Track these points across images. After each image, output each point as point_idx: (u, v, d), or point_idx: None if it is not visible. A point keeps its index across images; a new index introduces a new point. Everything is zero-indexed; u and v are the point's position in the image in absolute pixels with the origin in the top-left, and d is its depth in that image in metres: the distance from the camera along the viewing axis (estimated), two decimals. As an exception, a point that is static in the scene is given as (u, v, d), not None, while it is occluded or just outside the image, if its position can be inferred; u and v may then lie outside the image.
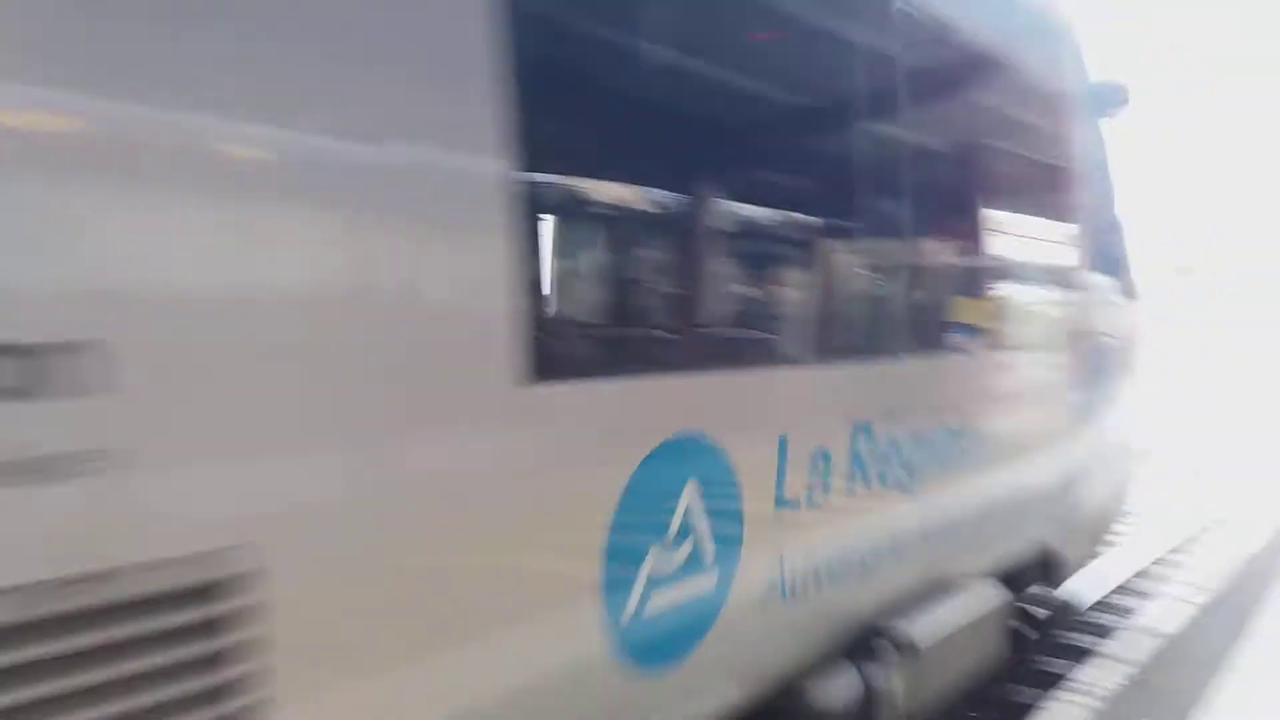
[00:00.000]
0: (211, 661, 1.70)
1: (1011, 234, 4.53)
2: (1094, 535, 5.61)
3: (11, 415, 1.46)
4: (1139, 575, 7.32)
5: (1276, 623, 5.29)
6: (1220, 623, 5.32)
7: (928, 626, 3.50)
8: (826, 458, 3.16)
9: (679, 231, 3.40)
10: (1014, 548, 4.54)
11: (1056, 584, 5.23)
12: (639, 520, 2.52)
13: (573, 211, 3.39)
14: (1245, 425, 15.19)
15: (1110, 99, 5.35)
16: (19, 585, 1.48)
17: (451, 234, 2.12)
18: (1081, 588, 6.00)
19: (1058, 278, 4.94)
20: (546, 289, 3.32)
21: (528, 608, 2.27)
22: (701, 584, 2.71)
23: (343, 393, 1.90)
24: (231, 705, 1.72)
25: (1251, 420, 15.75)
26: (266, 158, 1.83)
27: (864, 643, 3.33)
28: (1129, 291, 5.82)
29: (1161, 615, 5.46)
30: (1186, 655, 4.84)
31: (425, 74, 2.08)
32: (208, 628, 1.69)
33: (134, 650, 1.61)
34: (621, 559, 2.47)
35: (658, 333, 3.35)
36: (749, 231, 3.68)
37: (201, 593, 1.68)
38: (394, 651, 2.01)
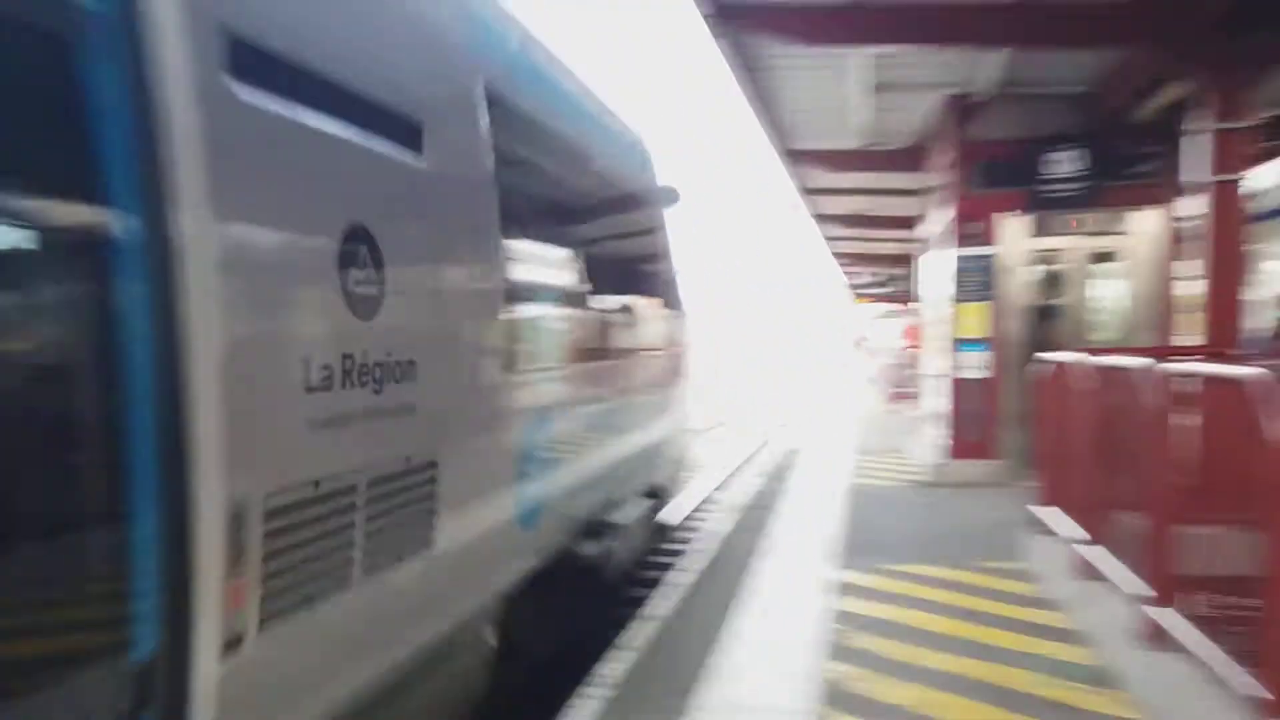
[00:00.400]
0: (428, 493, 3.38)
1: (619, 287, 6.54)
2: (674, 479, 8.41)
3: (402, 388, 3.14)
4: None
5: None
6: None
7: (623, 517, 6.10)
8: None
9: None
10: (643, 481, 7.06)
11: (663, 507, 8.05)
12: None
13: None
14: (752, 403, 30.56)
15: (669, 196, 7.83)
16: (407, 457, 3.22)
17: None
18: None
19: (647, 312, 7.17)
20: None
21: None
22: (539, 496, 4.58)
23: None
24: (427, 510, 3.36)
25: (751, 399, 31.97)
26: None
27: (595, 527, 5.62)
28: (683, 319, 8.43)
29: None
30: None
31: None
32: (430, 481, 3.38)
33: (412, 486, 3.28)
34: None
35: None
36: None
37: (428, 466, 3.35)
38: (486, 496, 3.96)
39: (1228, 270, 7.06)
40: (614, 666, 4.79)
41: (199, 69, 2.31)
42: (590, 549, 5.46)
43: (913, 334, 24.56)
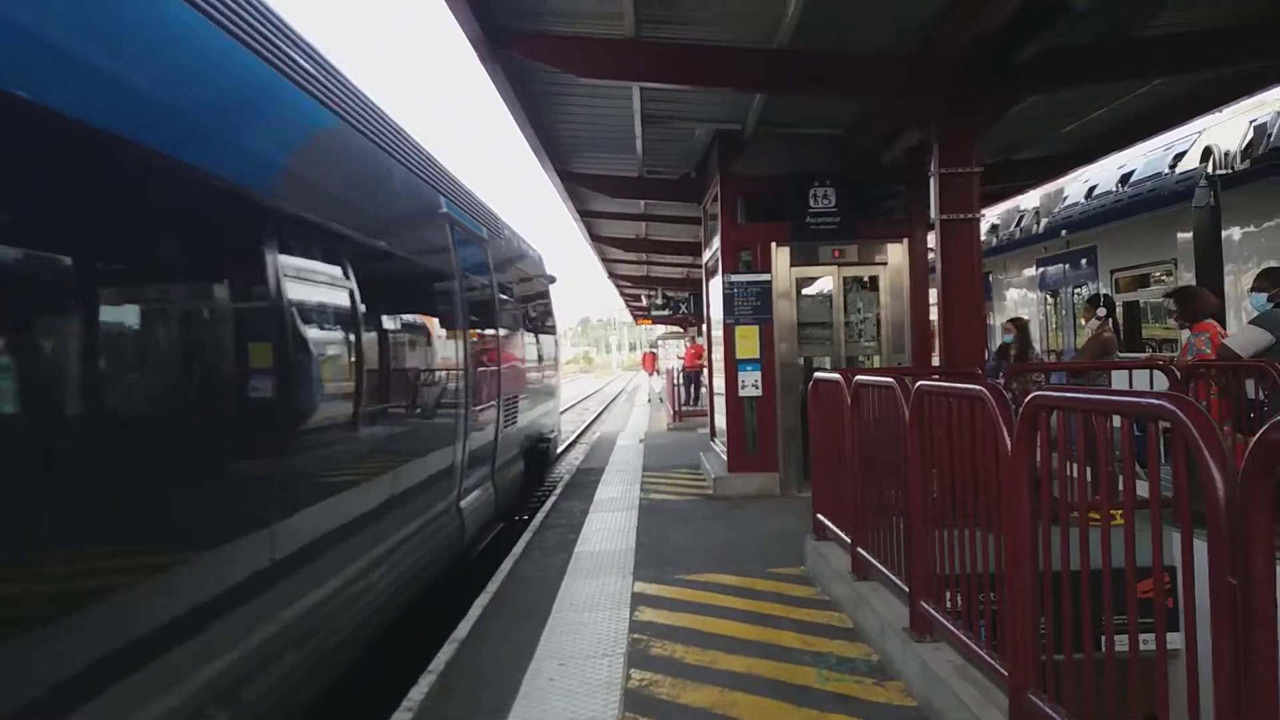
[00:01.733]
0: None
1: (535, 327, 12.91)
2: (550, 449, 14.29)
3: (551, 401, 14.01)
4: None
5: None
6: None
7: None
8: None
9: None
10: (543, 428, 13.04)
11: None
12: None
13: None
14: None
15: (551, 279, 14.59)
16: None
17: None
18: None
19: (546, 342, 13.98)
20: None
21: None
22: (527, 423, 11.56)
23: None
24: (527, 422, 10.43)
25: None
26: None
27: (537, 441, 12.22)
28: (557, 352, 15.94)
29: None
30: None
31: None
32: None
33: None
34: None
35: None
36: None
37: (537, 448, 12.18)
38: None
39: (957, 299, 7.89)
40: (419, 689, 4.84)
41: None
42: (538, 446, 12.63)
43: (694, 354, 25.60)
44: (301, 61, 4.83)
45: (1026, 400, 3.28)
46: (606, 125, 10.96)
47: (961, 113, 7.68)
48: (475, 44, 7.58)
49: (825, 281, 11.38)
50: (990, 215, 17.61)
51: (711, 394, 14.36)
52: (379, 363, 5.54)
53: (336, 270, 4.94)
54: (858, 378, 5.80)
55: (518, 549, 8.35)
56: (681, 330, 39.85)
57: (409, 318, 6.53)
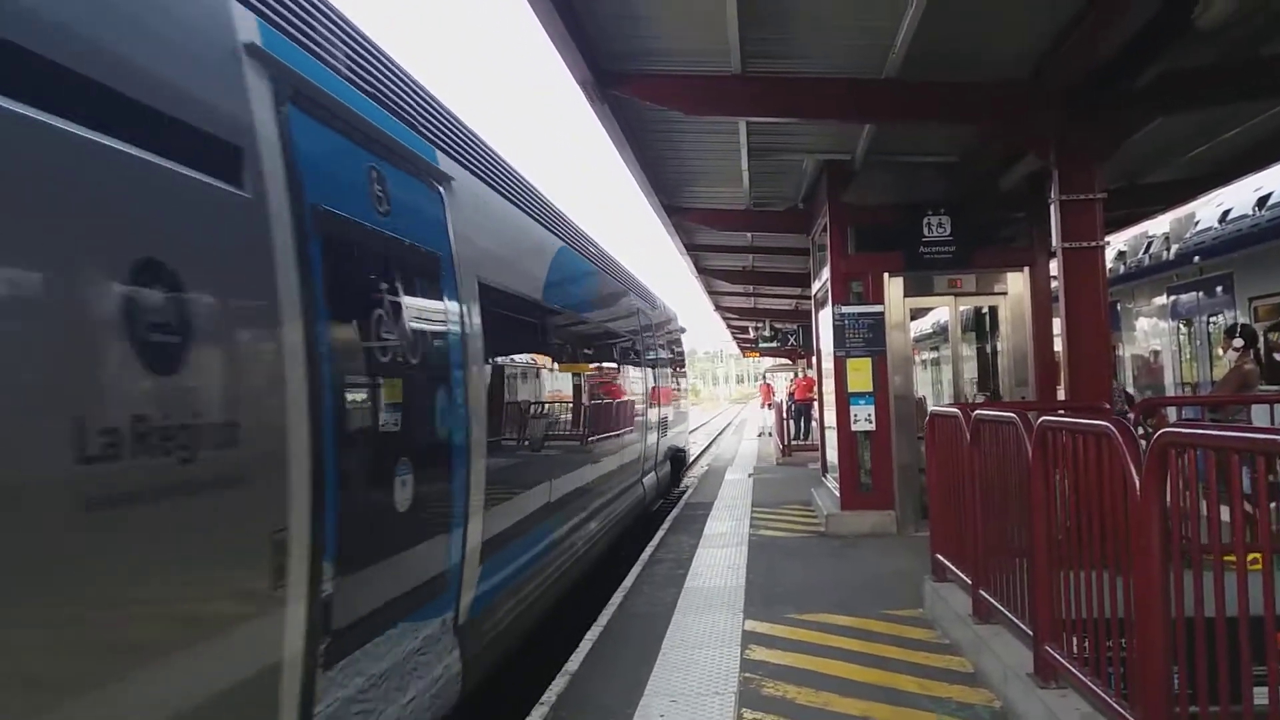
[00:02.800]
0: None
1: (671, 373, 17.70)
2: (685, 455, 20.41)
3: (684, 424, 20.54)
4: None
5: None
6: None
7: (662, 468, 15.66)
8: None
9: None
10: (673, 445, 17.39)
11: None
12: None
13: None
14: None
15: (681, 330, 19.84)
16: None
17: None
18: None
19: (679, 384, 19.67)
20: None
21: None
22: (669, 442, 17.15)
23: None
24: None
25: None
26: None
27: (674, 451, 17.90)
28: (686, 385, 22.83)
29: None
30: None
31: None
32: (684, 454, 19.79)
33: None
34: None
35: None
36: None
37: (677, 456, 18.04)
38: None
39: (1083, 330, 7.58)
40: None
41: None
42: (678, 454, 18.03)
43: (804, 387, 25.29)
44: (578, 235, 9.94)
45: (1155, 437, 3.12)
46: (712, 159, 11.03)
47: (1081, 138, 7.43)
48: (584, 86, 7.75)
49: (941, 312, 11.12)
50: (1116, 242, 16.92)
51: (822, 428, 14.13)
52: (621, 395, 11.29)
53: (612, 346, 11.01)
54: (977, 412, 5.63)
55: (627, 582, 8.37)
56: (790, 363, 39.51)
57: (634, 372, 12.59)
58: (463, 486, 4.77)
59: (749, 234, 15.79)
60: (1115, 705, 3.56)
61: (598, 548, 9.28)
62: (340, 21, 4.28)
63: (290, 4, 3.75)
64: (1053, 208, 7.61)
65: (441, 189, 5.03)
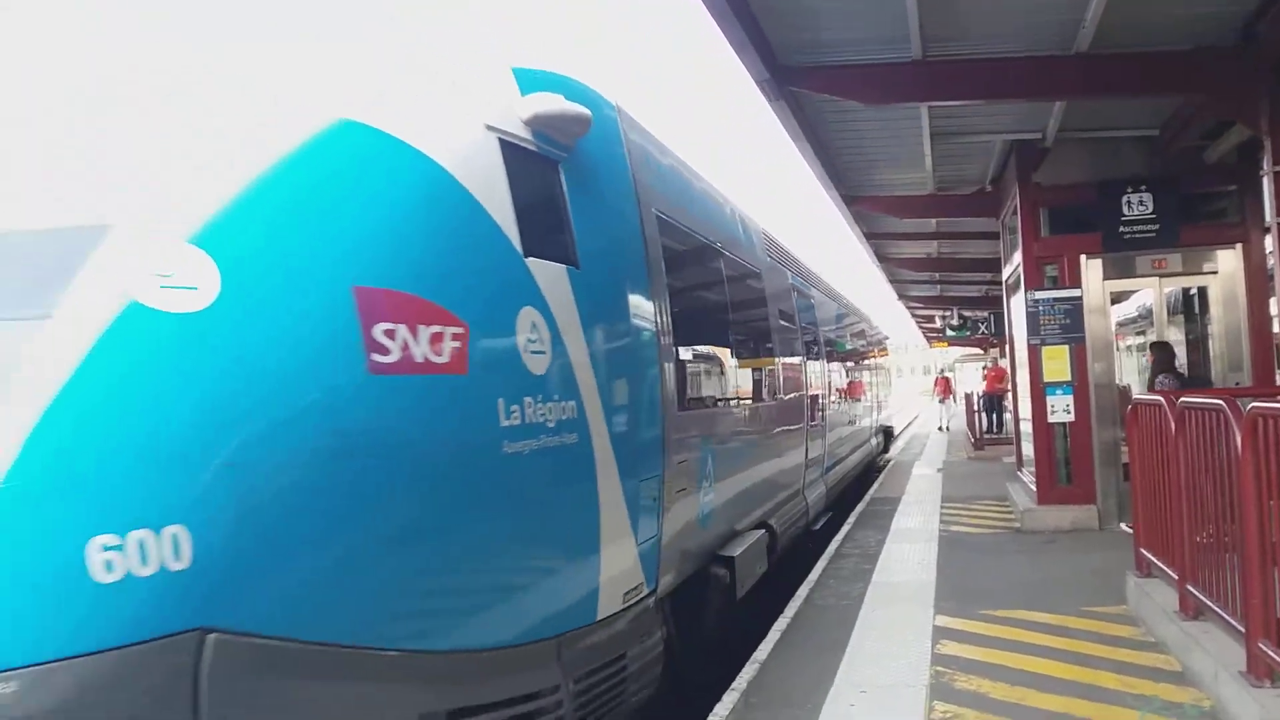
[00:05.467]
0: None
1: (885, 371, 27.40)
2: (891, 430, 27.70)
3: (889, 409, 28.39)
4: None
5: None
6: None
7: (878, 436, 23.47)
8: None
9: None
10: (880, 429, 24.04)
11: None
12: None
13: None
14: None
15: (885, 337, 27.16)
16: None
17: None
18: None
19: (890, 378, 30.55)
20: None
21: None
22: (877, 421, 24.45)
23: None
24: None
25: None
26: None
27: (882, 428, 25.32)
28: (889, 379, 31.29)
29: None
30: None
31: None
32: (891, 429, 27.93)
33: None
34: None
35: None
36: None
37: (886, 430, 26.26)
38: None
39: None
40: (723, 705, 5.02)
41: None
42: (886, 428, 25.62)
43: (994, 377, 24.32)
44: (841, 296, 17.85)
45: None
46: (892, 146, 10.84)
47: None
48: (761, 84, 7.84)
49: (1145, 295, 10.52)
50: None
51: (1017, 420, 13.61)
52: (864, 388, 19.57)
53: (866, 358, 20.67)
54: (1183, 400, 5.36)
55: (813, 576, 8.40)
56: (981, 352, 37.99)
57: (869, 374, 20.80)
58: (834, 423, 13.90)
59: (933, 220, 15.37)
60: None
61: (858, 457, 16.83)
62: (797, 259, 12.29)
63: (804, 270, 12.83)
64: (1265, 180, 7.09)
65: (804, 293, 11.99)
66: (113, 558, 2.46)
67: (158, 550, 2.53)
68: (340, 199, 3.38)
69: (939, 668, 5.46)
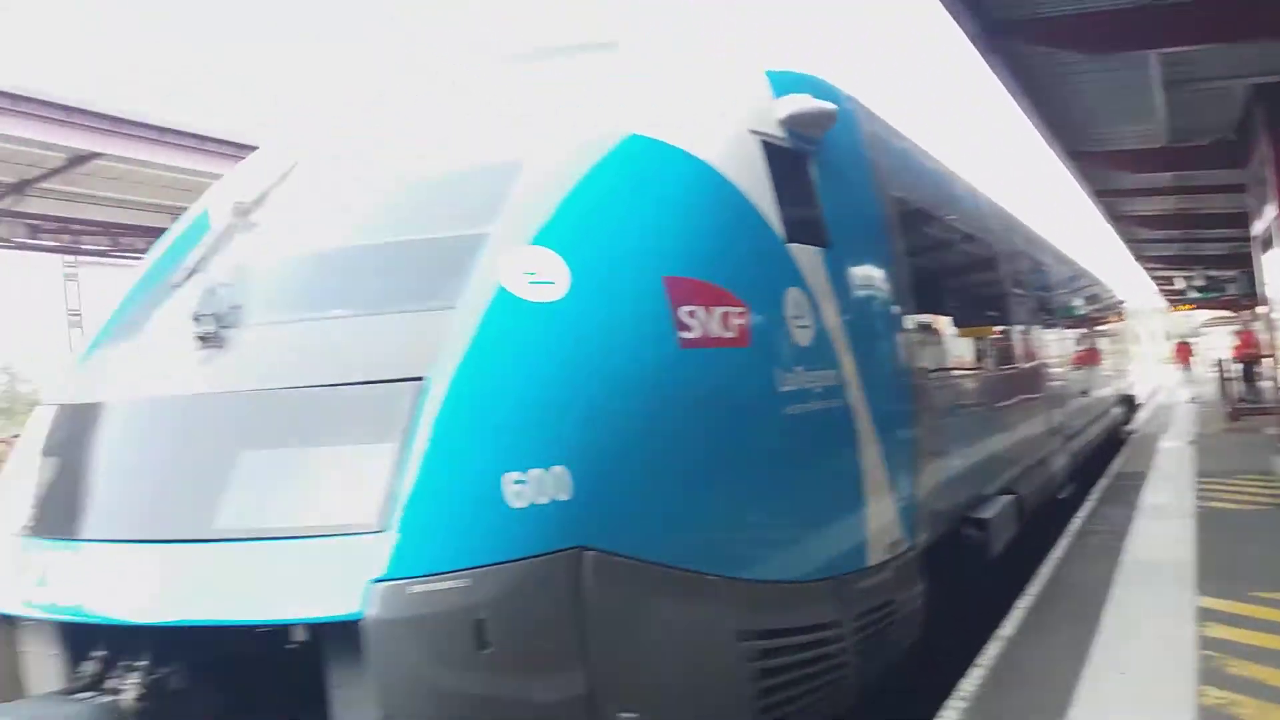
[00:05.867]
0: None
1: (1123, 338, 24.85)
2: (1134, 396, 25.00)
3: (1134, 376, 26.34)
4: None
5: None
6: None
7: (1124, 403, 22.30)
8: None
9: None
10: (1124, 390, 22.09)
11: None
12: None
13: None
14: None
15: (1121, 302, 24.32)
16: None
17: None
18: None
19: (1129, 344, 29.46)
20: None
21: None
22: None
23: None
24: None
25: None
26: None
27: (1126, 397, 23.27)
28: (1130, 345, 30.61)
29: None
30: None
31: None
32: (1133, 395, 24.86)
33: None
34: None
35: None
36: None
37: (1128, 399, 22.88)
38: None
39: None
40: (970, 681, 4.94)
41: None
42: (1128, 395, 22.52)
43: (1247, 341, 22.21)
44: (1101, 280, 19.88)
45: None
46: (1119, 97, 10.14)
47: None
48: (974, 39, 7.58)
49: None
50: None
51: (1278, 388, 12.39)
52: (1111, 357, 19.18)
53: (1106, 328, 19.35)
54: None
55: (1057, 552, 8.03)
56: (1231, 314, 34.68)
57: (1115, 345, 20.44)
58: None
59: (1169, 174, 14.21)
60: None
61: (1099, 427, 15.87)
62: (1026, 225, 11.82)
63: (1034, 235, 12.22)
64: None
65: (1035, 259, 11.75)
66: (521, 490, 3.19)
67: (550, 484, 3.24)
68: (640, 201, 4.00)
69: (1207, 651, 5.12)
